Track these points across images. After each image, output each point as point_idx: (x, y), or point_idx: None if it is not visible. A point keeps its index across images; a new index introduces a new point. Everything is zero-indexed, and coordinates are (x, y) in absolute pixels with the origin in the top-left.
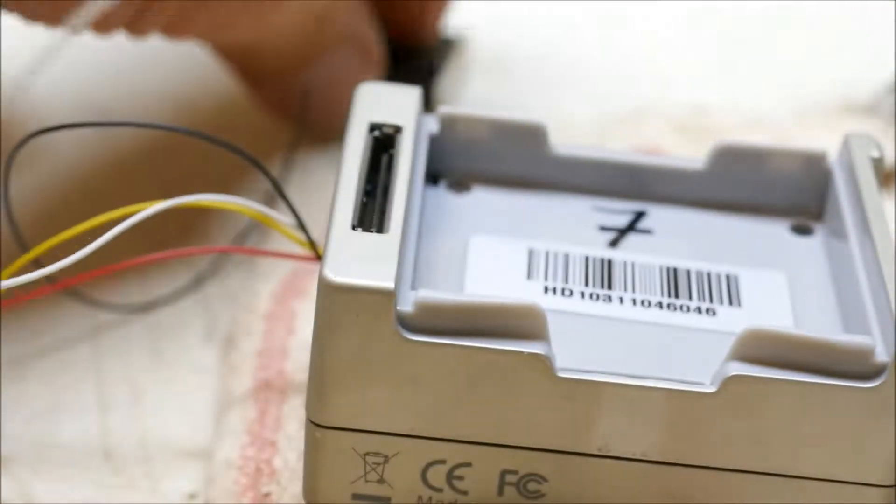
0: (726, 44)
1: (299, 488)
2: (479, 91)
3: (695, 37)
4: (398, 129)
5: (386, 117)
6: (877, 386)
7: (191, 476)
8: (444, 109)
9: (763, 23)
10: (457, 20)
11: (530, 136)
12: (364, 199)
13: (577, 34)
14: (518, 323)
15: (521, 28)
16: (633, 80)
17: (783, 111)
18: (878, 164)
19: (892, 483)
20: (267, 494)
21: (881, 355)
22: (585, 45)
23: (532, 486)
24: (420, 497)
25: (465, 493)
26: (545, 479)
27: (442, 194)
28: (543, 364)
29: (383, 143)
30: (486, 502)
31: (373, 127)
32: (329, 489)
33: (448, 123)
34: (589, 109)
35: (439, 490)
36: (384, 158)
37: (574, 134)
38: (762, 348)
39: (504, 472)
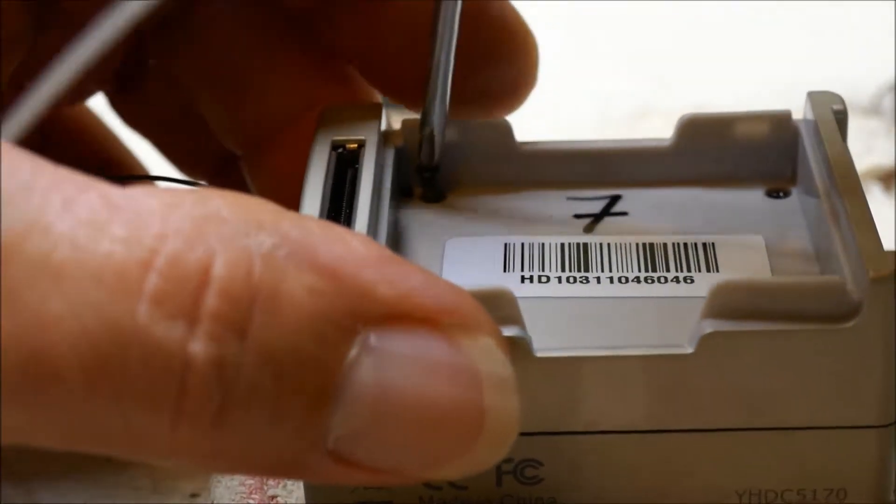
0: (727, 43)
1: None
2: None
3: (695, 37)
4: (361, 144)
5: (348, 134)
6: (853, 325)
7: (193, 476)
8: (406, 120)
9: (764, 23)
10: None
11: (496, 135)
12: (329, 215)
13: (578, 34)
14: (490, 308)
15: None
16: (633, 80)
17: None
18: (840, 116)
19: (889, 421)
20: (273, 497)
21: (854, 293)
22: (586, 44)
23: (529, 471)
24: (421, 498)
25: (464, 488)
26: (541, 463)
27: (416, 205)
28: (520, 347)
29: (347, 160)
30: (486, 496)
31: (336, 145)
32: (331, 492)
33: (413, 134)
34: (589, 109)
35: (439, 488)
36: (349, 174)
37: (574, 134)
38: (734, 302)
39: (500, 462)
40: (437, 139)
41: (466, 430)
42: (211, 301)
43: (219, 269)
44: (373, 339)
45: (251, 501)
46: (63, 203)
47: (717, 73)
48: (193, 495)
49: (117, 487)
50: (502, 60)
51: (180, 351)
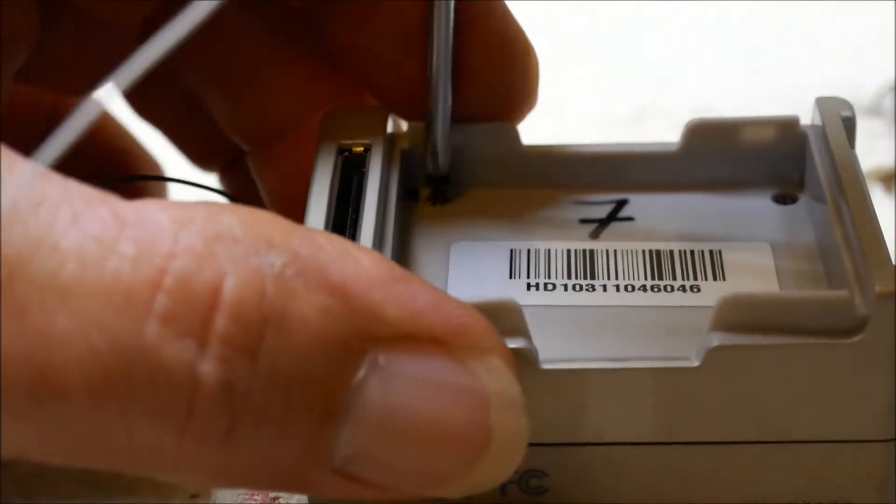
0: (729, 45)
1: None
2: None
3: (698, 38)
4: (367, 148)
5: (354, 138)
6: (859, 340)
7: None
8: (413, 124)
9: (766, 24)
10: None
11: (502, 138)
12: (335, 219)
13: (579, 34)
14: (496, 320)
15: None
16: (635, 81)
17: (786, 112)
18: (848, 122)
19: (892, 437)
20: (275, 498)
21: (860, 308)
22: (587, 45)
23: (534, 481)
24: None
25: (467, 497)
26: (545, 474)
27: (423, 207)
28: (526, 358)
29: (354, 164)
30: None
31: (342, 149)
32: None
33: (419, 136)
34: (591, 110)
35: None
36: (355, 178)
37: (575, 135)
38: (741, 315)
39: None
40: (442, 149)
41: (471, 450)
42: (221, 323)
43: (229, 290)
44: (381, 359)
45: (253, 502)
46: (72, 218)
47: (718, 75)
48: (194, 496)
49: (117, 488)
50: (501, 73)
51: (189, 372)
